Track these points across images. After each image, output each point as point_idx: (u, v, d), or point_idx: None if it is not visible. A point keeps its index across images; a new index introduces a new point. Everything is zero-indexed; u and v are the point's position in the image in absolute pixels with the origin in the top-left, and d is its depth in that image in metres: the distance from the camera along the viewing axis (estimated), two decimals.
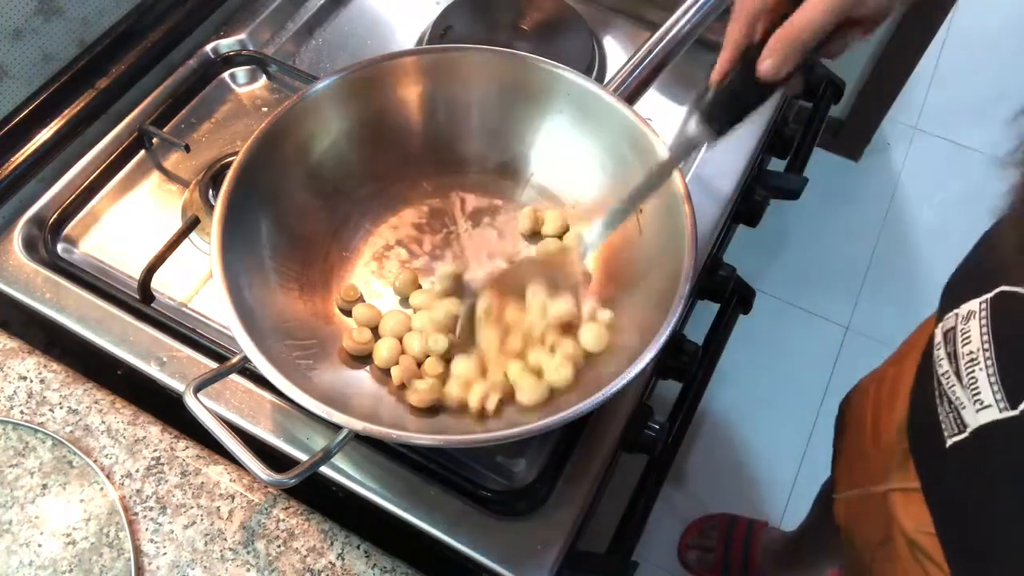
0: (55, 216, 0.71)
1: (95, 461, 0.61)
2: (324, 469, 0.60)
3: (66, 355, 0.68)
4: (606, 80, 0.74)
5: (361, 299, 0.66)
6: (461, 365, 0.59)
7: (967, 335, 0.51)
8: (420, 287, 0.66)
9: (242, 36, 0.85)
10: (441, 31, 0.86)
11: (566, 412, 0.51)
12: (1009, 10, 2.02)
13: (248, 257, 0.60)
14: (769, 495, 1.44)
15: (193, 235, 0.72)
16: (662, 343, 0.53)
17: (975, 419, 0.49)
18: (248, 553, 0.58)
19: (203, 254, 0.72)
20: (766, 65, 0.48)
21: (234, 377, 0.64)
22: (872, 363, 0.83)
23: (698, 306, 0.78)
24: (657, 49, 0.68)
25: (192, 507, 0.60)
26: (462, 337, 0.60)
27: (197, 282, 0.71)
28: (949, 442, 0.52)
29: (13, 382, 0.65)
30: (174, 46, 0.83)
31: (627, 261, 0.64)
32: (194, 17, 0.84)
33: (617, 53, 0.88)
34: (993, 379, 0.48)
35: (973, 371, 0.50)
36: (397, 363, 0.61)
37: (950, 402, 0.52)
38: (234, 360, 0.57)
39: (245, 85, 0.84)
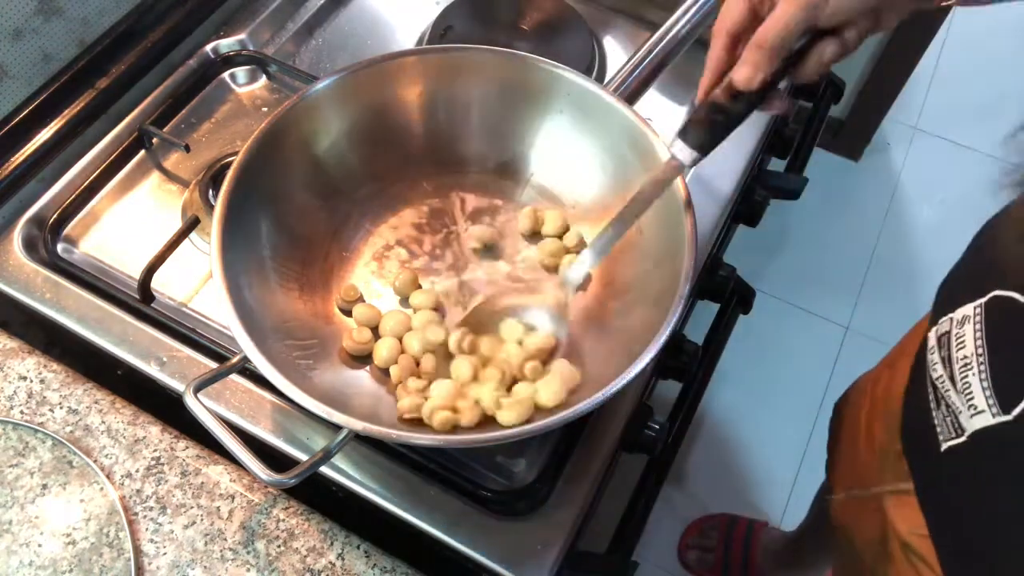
0: (55, 216, 0.71)
1: (95, 461, 0.61)
2: (324, 469, 0.60)
3: (66, 355, 0.68)
4: (606, 80, 0.74)
5: (361, 299, 0.66)
6: (440, 388, 0.58)
7: (962, 340, 0.51)
8: (420, 287, 0.66)
9: (242, 36, 0.85)
10: (441, 31, 0.86)
11: (566, 412, 0.51)
12: (1009, 11, 2.01)
13: (248, 257, 0.60)
14: (769, 495, 1.44)
15: (193, 235, 0.72)
16: (662, 343, 0.53)
17: (971, 424, 0.49)
18: (248, 553, 0.58)
19: (203, 254, 0.72)
20: (740, 74, 0.49)
21: (234, 377, 0.64)
22: (872, 363, 0.82)
23: (698, 306, 0.78)
24: (657, 49, 0.68)
25: (192, 507, 0.60)
26: (439, 367, 0.60)
27: (197, 282, 0.71)
28: (944, 446, 0.52)
29: (13, 382, 0.65)
30: (174, 46, 0.83)
31: (627, 261, 0.65)
32: (194, 17, 0.84)
33: (617, 53, 0.88)
34: (986, 384, 0.47)
35: (967, 376, 0.49)
36: (397, 363, 0.61)
37: (947, 406, 0.52)
38: (234, 360, 0.57)
39: (245, 85, 0.84)
